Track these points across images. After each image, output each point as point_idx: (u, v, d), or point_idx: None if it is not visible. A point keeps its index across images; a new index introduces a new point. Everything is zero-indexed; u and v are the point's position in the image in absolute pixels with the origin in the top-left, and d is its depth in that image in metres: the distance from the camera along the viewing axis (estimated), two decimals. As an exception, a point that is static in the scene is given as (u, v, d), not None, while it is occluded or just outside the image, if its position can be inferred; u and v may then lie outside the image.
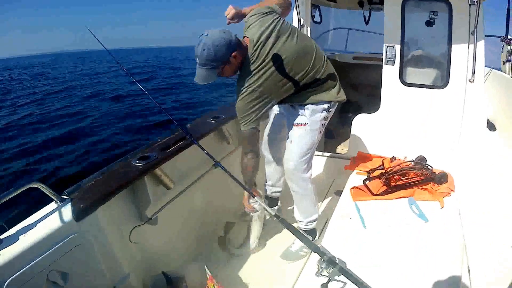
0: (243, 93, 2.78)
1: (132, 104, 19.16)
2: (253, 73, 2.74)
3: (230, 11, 2.72)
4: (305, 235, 2.62)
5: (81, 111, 18.31)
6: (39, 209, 2.31)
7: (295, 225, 3.51)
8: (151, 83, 28.16)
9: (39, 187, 2.17)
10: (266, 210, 2.73)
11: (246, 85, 2.74)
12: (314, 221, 3.42)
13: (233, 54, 2.60)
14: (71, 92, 26.13)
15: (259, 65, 2.72)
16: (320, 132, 3.20)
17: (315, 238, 3.52)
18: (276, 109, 3.40)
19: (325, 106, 3.14)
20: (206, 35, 2.51)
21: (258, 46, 2.71)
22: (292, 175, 3.20)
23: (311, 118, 3.15)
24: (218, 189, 3.84)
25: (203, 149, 2.93)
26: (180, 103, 19.12)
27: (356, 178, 3.61)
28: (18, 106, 20.98)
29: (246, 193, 3.21)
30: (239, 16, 2.78)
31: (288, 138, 3.18)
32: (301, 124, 3.18)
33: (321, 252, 2.22)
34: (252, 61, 2.72)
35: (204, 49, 2.49)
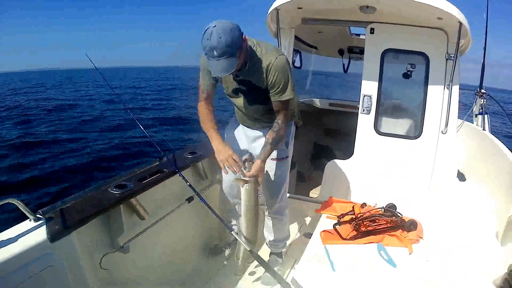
0: (284, 68, 2.88)
1: (116, 127, 19.28)
2: (272, 49, 2.92)
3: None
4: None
5: (71, 130, 18.49)
6: (13, 226, 2.30)
7: (266, 248, 3.78)
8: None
9: (15, 203, 2.18)
10: (242, 244, 2.78)
11: (276, 57, 2.85)
12: (286, 242, 3.71)
13: (243, 36, 2.65)
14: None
15: (267, 47, 2.92)
16: None
17: (282, 260, 3.71)
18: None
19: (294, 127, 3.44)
20: (214, 26, 2.48)
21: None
22: (280, 207, 3.40)
23: (289, 148, 3.39)
24: (191, 222, 3.87)
25: (187, 181, 3.05)
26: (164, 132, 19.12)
27: (326, 222, 3.63)
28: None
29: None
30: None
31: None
32: (282, 158, 3.34)
33: None
34: (257, 48, 2.87)
35: (220, 37, 2.46)
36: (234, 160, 2.90)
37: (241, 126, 3.46)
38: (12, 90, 49.39)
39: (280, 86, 2.90)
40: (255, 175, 2.88)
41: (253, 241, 3.13)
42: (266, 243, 3.77)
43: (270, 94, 2.96)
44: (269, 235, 3.67)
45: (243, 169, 2.91)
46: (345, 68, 6.56)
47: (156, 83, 63.47)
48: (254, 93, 3.03)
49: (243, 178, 2.90)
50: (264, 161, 2.95)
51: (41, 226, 2.31)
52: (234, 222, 3.80)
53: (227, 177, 3.56)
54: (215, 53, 2.49)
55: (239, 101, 3.17)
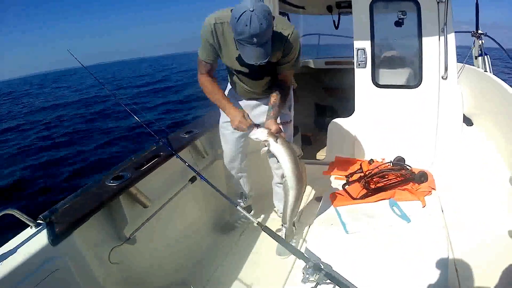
0: (299, 39, 2.81)
1: (108, 116, 19.71)
2: (284, 21, 2.81)
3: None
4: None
5: (59, 130, 18.41)
6: (15, 235, 2.24)
7: (278, 218, 3.72)
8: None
9: (13, 213, 2.11)
10: (251, 220, 2.71)
11: (292, 30, 2.74)
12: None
13: None
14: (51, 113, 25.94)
15: (278, 19, 2.77)
16: None
17: (295, 228, 3.60)
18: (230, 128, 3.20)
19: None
20: (252, 10, 2.24)
21: None
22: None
23: (291, 112, 3.31)
24: (196, 203, 3.82)
25: (185, 162, 2.97)
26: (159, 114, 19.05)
27: (335, 183, 3.58)
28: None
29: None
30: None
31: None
32: (287, 122, 3.26)
33: (306, 258, 2.18)
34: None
35: (261, 23, 2.25)
36: (246, 123, 2.76)
37: (236, 98, 3.33)
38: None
39: (295, 57, 2.85)
40: (279, 130, 2.72)
41: (299, 203, 2.97)
42: (276, 211, 3.73)
43: (285, 65, 2.88)
44: (280, 204, 3.59)
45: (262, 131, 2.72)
46: (336, 24, 6.42)
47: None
48: (265, 67, 2.82)
49: (271, 133, 2.68)
50: (276, 120, 2.82)
51: (42, 231, 2.26)
52: (242, 195, 3.81)
53: (228, 151, 3.51)
54: (255, 40, 2.32)
55: (246, 76, 3.04)
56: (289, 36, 2.69)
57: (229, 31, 2.66)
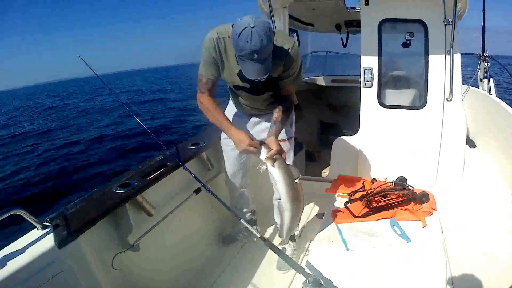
0: (299, 53, 2.81)
1: (118, 128, 19.60)
2: (285, 36, 2.86)
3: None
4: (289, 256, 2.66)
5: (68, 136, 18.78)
6: (21, 236, 2.30)
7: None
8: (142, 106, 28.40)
9: (21, 214, 2.16)
10: (253, 233, 2.74)
11: (293, 44, 2.76)
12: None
13: None
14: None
15: (278, 33, 2.76)
16: None
17: (295, 243, 3.65)
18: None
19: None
20: (253, 26, 2.27)
21: None
22: None
23: (293, 128, 3.30)
24: (200, 214, 3.86)
25: (191, 173, 2.99)
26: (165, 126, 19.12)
27: (337, 201, 3.60)
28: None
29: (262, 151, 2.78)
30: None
31: None
32: (289, 138, 3.27)
33: (306, 274, 2.20)
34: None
35: (262, 39, 2.28)
36: (254, 145, 2.71)
37: (238, 115, 3.37)
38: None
39: (297, 71, 2.86)
40: (279, 151, 2.70)
41: (298, 223, 2.97)
42: (278, 227, 3.75)
43: (286, 80, 2.89)
44: (279, 219, 3.62)
45: (262, 151, 2.71)
46: (344, 43, 6.48)
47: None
48: (266, 82, 2.79)
49: (271, 157, 2.66)
50: (277, 138, 2.79)
51: (49, 233, 2.30)
52: (247, 208, 3.82)
53: (230, 167, 3.56)
54: (256, 56, 2.34)
55: (247, 91, 3.04)
56: (290, 50, 2.72)
57: (230, 46, 2.67)
